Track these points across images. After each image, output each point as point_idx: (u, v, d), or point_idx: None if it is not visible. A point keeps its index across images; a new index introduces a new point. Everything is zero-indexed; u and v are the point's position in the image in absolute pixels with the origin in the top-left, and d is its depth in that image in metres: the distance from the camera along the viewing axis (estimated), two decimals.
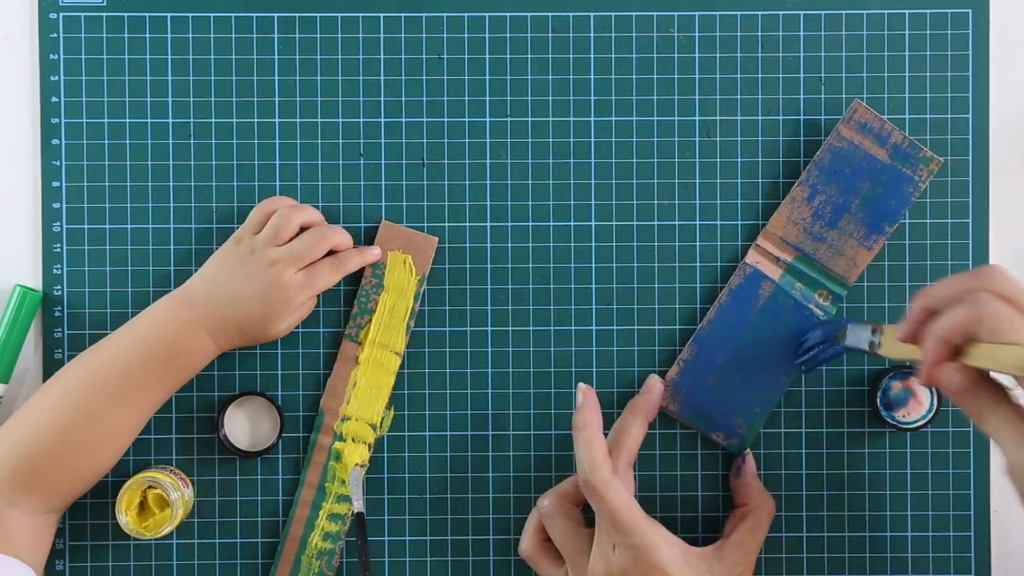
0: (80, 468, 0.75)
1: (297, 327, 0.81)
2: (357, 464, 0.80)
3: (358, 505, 0.78)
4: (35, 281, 0.82)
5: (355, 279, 0.82)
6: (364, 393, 0.81)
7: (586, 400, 0.76)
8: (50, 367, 0.81)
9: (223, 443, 0.80)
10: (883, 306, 0.82)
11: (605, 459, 0.73)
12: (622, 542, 0.71)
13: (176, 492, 0.76)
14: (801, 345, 0.79)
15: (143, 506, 0.77)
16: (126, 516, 0.76)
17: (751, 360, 0.80)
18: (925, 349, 0.62)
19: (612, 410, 0.82)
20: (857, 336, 0.73)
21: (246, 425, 0.82)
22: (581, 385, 0.77)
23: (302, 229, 0.79)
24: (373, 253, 0.80)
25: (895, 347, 0.68)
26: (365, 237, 0.82)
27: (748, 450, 0.81)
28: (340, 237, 0.79)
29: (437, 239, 0.81)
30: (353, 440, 0.80)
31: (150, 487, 0.76)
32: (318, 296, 0.80)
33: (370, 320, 0.81)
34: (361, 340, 0.81)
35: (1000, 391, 0.61)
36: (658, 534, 0.72)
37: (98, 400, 0.74)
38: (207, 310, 0.76)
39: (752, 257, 0.81)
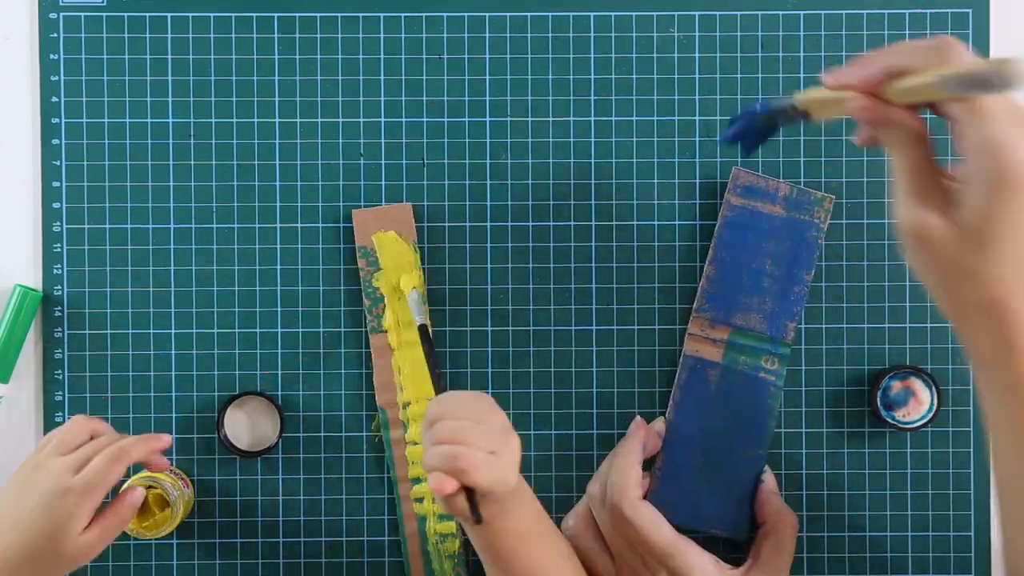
0: None
1: (109, 543, 0.71)
2: (415, 287, 0.79)
3: (419, 319, 0.77)
4: (35, 281, 0.82)
5: (354, 279, 0.82)
6: (413, 374, 0.80)
7: (636, 432, 0.78)
8: (50, 367, 0.81)
9: (223, 443, 0.80)
10: (884, 306, 0.82)
11: (637, 484, 0.75)
12: (656, 563, 0.72)
13: (176, 492, 0.76)
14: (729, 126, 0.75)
15: (143, 506, 0.77)
16: None
17: (722, 446, 0.80)
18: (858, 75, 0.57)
19: (612, 410, 0.82)
20: (779, 102, 0.68)
21: (246, 425, 0.82)
22: (638, 418, 0.80)
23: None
24: (162, 439, 0.73)
25: (816, 97, 0.63)
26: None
27: (767, 469, 0.81)
28: (139, 448, 0.71)
29: (410, 205, 0.81)
30: (420, 418, 0.80)
31: (150, 487, 0.76)
32: (134, 506, 0.72)
33: (385, 305, 0.81)
34: (386, 328, 0.81)
35: (918, 136, 0.57)
36: (692, 552, 0.73)
37: None
38: (4, 550, 0.67)
39: (690, 347, 0.81)
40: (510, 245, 0.82)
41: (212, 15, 0.82)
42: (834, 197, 0.81)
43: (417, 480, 0.81)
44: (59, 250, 0.81)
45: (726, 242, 0.80)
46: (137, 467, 0.81)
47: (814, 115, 0.65)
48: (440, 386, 0.72)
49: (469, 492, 0.63)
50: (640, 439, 0.78)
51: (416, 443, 0.80)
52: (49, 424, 0.81)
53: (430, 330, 0.77)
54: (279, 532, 0.82)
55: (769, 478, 0.80)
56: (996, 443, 0.60)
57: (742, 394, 0.80)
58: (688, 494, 0.80)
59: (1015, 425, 0.57)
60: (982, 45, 0.82)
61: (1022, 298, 0.54)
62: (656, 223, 0.82)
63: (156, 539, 0.78)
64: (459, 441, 0.63)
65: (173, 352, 0.81)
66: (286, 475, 0.82)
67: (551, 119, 0.82)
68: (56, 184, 0.82)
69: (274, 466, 0.82)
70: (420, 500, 0.81)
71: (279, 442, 0.81)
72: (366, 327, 0.81)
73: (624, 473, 0.76)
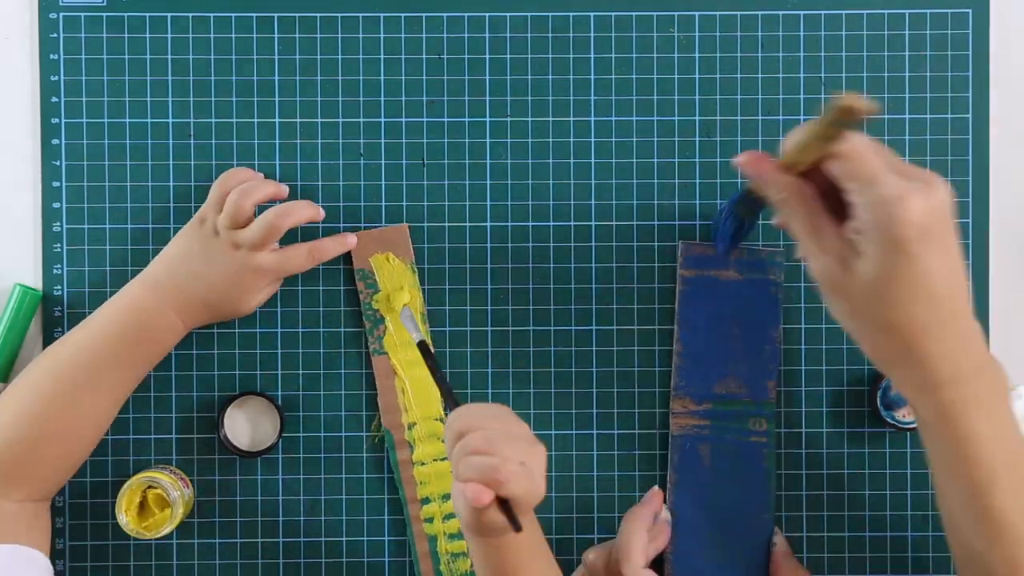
0: (59, 456, 0.75)
1: (265, 305, 0.80)
2: (405, 305, 0.79)
3: (416, 336, 0.76)
4: (35, 281, 0.82)
5: (354, 279, 0.82)
6: (417, 394, 0.81)
7: (651, 500, 0.79)
8: None
9: (223, 443, 0.80)
10: None
11: (642, 552, 0.75)
12: None
13: (176, 492, 0.76)
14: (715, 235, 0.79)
15: (143, 506, 0.77)
16: (126, 516, 0.76)
17: (728, 518, 0.80)
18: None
19: (612, 410, 0.82)
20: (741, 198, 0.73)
21: (246, 425, 0.82)
22: (655, 488, 0.80)
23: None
24: (350, 240, 0.80)
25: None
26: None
27: (777, 531, 0.81)
28: (306, 212, 0.78)
29: (407, 225, 0.81)
30: (427, 438, 0.80)
31: (150, 487, 0.76)
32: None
33: (385, 327, 0.81)
34: (387, 349, 0.81)
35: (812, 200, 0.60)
36: None
37: (69, 388, 0.74)
38: (172, 290, 0.76)
39: (676, 427, 0.81)
40: (510, 245, 0.82)
41: (212, 15, 0.82)
42: (780, 248, 0.81)
43: (427, 500, 0.80)
44: (59, 250, 0.81)
45: (688, 318, 0.81)
46: (137, 467, 0.81)
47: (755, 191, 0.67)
48: (451, 399, 0.71)
49: (504, 503, 0.62)
50: (653, 508, 0.79)
51: (424, 463, 0.80)
52: None
53: (430, 346, 0.77)
54: (279, 532, 0.82)
55: (780, 540, 0.80)
56: (934, 478, 0.61)
57: (737, 463, 0.80)
58: (702, 573, 0.80)
59: (948, 460, 0.58)
60: (982, 45, 0.82)
61: (935, 338, 0.56)
62: (656, 223, 0.82)
63: (156, 539, 0.78)
64: (493, 452, 0.62)
65: (173, 352, 0.81)
66: (286, 475, 0.82)
67: (551, 119, 0.82)
68: (56, 184, 0.82)
69: (274, 466, 0.82)
70: (430, 520, 0.80)
71: (279, 442, 0.81)
72: (367, 348, 0.81)
73: (631, 537, 0.76)
